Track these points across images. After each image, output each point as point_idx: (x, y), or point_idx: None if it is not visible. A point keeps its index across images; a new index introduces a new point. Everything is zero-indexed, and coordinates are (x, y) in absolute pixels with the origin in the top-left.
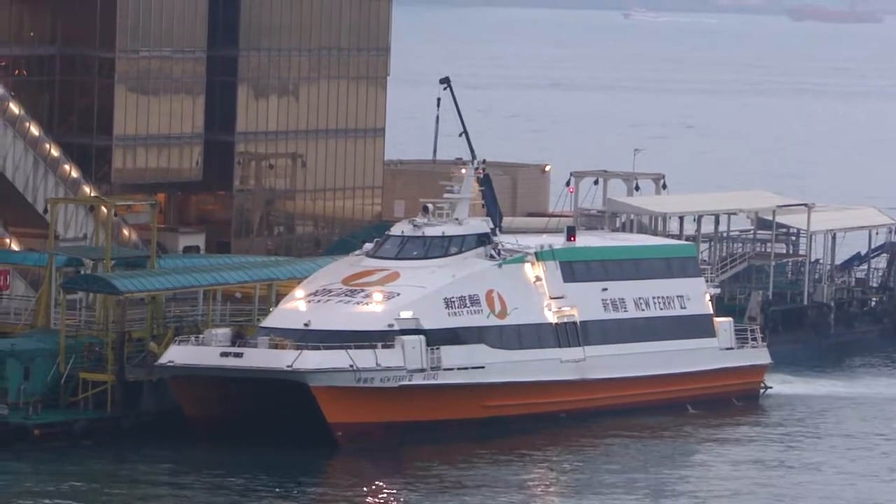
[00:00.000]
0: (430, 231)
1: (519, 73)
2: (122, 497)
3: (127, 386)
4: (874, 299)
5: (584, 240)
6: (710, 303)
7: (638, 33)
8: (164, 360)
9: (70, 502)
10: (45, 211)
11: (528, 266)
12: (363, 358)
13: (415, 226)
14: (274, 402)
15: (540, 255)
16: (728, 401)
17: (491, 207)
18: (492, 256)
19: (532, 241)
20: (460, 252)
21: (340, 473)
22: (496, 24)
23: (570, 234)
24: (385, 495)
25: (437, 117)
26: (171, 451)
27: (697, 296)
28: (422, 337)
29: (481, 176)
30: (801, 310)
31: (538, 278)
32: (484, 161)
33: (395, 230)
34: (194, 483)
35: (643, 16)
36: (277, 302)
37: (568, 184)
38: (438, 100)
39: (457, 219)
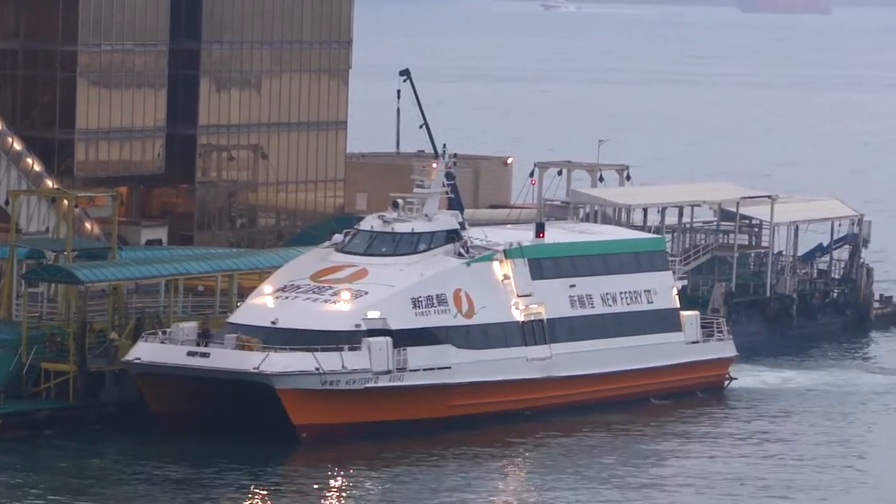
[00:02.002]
0: (399, 227)
1: (460, 64)
2: (84, 486)
3: (89, 376)
4: (836, 291)
5: (553, 234)
6: (676, 297)
7: (567, 24)
8: (130, 356)
9: (32, 490)
10: (7, 203)
11: (496, 264)
12: (329, 360)
13: (384, 221)
14: (240, 401)
15: (508, 253)
16: (692, 394)
17: (455, 201)
18: (460, 254)
19: (501, 237)
20: (429, 249)
21: (303, 466)
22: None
23: (539, 230)
24: (347, 490)
25: (398, 110)
26: (133, 440)
27: (665, 290)
28: (388, 338)
29: (452, 170)
30: (763, 301)
31: (506, 276)
32: (455, 155)
33: (365, 225)
34: (156, 473)
35: (564, 7)
36: (239, 294)
37: (532, 175)
38: (398, 92)
39: (426, 214)
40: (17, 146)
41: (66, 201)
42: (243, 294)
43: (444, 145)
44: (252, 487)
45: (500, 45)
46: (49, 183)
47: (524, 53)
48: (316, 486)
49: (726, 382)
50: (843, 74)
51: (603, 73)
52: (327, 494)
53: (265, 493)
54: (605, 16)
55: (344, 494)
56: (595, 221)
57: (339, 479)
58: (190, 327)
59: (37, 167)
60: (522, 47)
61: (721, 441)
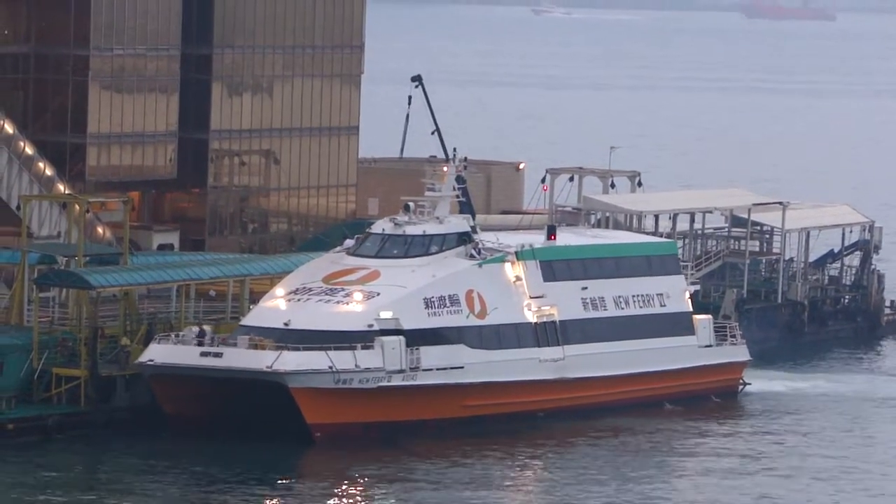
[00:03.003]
0: (410, 230)
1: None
2: (95, 490)
3: (100, 381)
4: (847, 297)
5: (565, 238)
6: (689, 300)
7: (561, 30)
8: (143, 358)
9: (43, 495)
10: (19, 208)
11: (508, 265)
12: (342, 359)
13: (396, 224)
14: (254, 401)
15: (520, 255)
16: (707, 398)
17: (466, 206)
18: (472, 256)
19: (512, 240)
20: (441, 251)
21: (317, 468)
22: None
23: (551, 232)
24: (362, 491)
25: (408, 115)
26: (144, 445)
27: (677, 293)
28: (401, 337)
29: (462, 174)
30: (775, 308)
31: (518, 278)
32: (465, 159)
33: (376, 228)
34: (167, 478)
35: (554, 12)
36: (251, 299)
37: (543, 181)
38: (409, 97)
39: (437, 217)
40: (29, 150)
41: (77, 206)
42: (255, 299)
43: (455, 149)
44: (265, 492)
45: (495, 50)
46: (61, 187)
47: (523, 58)
48: (329, 488)
49: (740, 387)
50: (850, 80)
51: (608, 79)
52: (341, 497)
53: (279, 497)
54: (596, 21)
55: (356, 497)
56: (606, 228)
57: (353, 481)
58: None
59: (48, 171)
60: (523, 53)
61: (735, 446)
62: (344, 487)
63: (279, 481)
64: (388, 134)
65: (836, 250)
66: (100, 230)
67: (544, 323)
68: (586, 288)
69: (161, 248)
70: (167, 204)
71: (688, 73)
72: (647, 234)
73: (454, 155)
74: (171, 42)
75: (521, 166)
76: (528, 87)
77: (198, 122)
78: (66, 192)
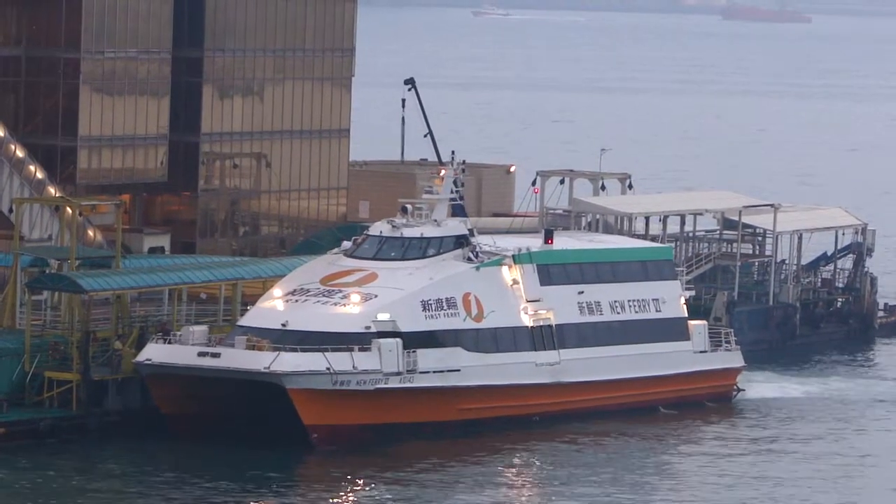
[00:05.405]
0: (408, 232)
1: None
2: (87, 494)
3: (92, 385)
4: (840, 300)
5: (562, 242)
6: (684, 306)
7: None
8: (141, 358)
9: (35, 499)
10: (10, 211)
11: (505, 269)
12: (340, 360)
13: (393, 226)
14: (251, 402)
15: (517, 258)
16: (700, 403)
17: (459, 208)
18: (469, 259)
19: (509, 243)
20: (438, 254)
21: (313, 471)
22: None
23: (548, 236)
24: (358, 494)
25: (403, 118)
26: (136, 449)
27: (672, 299)
28: (398, 340)
29: (460, 177)
30: (766, 310)
31: (515, 281)
32: (464, 162)
33: (374, 230)
34: (160, 481)
35: (494, 14)
36: (242, 302)
37: (534, 183)
38: (403, 101)
39: (435, 220)
40: (20, 153)
41: (69, 209)
42: (247, 302)
43: (453, 152)
44: (261, 495)
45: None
46: (52, 190)
47: (498, 61)
48: (325, 491)
49: (734, 393)
50: (825, 83)
51: (589, 81)
52: (337, 500)
53: (275, 500)
54: (539, 22)
55: (353, 500)
56: (597, 230)
57: (349, 483)
58: (200, 331)
59: (39, 174)
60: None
61: (729, 451)
62: (340, 490)
63: (275, 483)
64: (381, 136)
65: (828, 253)
66: (90, 233)
67: (540, 327)
68: (583, 292)
69: (152, 250)
70: (158, 206)
71: (671, 76)
72: (638, 236)
73: (452, 158)
74: (161, 45)
75: (512, 169)
76: (505, 90)
77: (189, 125)
78: (58, 194)
